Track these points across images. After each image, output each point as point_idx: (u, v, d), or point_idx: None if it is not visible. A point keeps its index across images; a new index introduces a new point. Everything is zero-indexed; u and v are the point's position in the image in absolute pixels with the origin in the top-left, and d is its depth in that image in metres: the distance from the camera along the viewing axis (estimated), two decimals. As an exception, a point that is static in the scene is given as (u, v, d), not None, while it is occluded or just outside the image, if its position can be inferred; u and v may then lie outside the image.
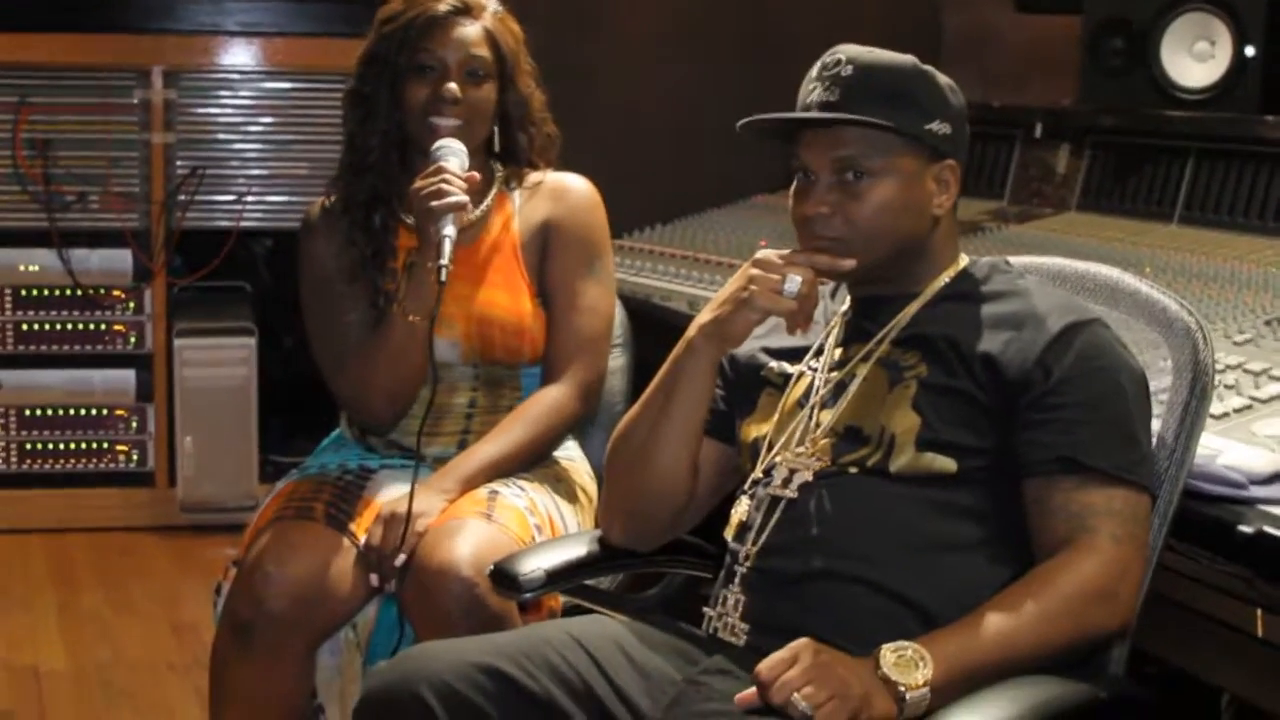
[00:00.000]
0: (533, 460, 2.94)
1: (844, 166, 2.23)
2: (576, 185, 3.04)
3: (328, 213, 3.01)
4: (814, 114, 2.23)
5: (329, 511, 2.83)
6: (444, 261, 2.73)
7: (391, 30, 2.94)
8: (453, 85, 2.89)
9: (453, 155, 2.85)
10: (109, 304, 5.14)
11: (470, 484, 2.83)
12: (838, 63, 2.24)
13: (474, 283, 2.94)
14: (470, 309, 2.93)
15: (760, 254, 2.26)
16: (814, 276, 2.23)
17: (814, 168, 2.25)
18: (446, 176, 2.80)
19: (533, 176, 3.04)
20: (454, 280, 2.85)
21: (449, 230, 2.76)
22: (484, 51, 2.92)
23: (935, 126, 2.24)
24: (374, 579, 2.74)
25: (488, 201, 3.00)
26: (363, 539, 2.78)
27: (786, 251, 2.25)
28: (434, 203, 2.77)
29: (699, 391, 2.33)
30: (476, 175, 2.86)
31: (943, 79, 2.29)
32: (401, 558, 2.70)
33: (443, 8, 2.92)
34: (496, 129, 2.99)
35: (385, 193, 2.96)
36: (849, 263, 2.23)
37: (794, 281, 2.21)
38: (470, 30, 2.92)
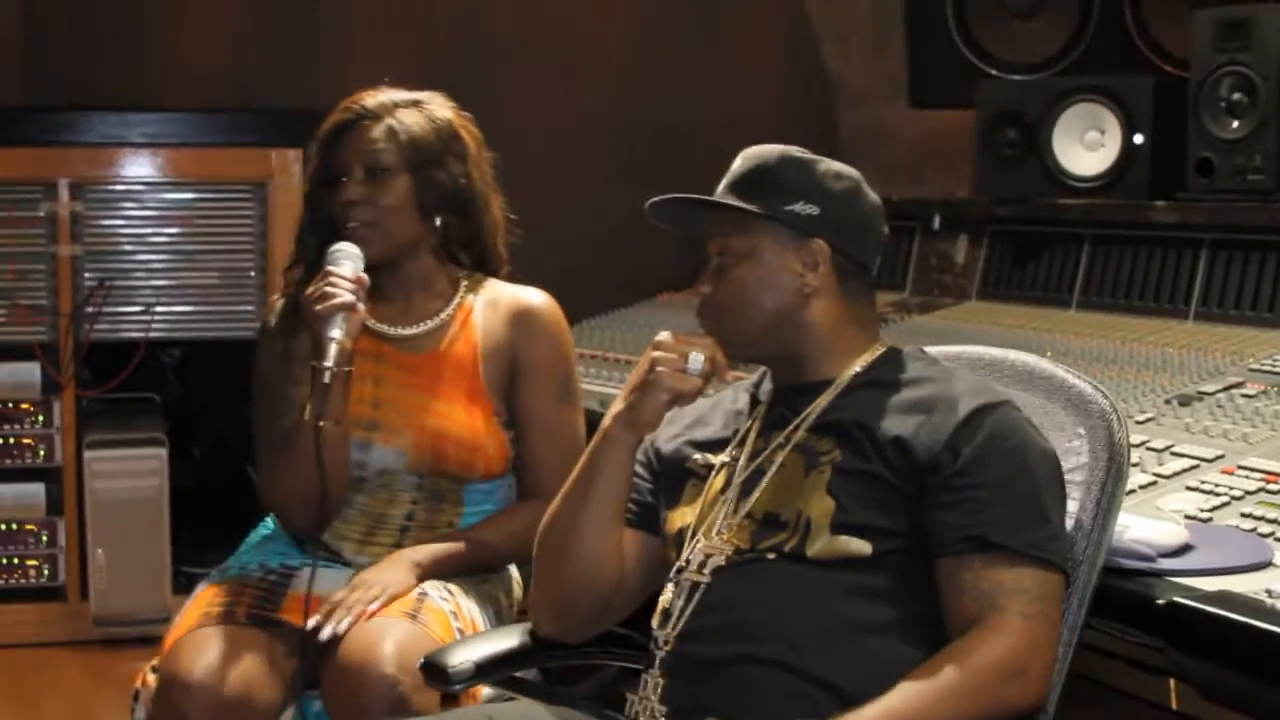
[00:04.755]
0: (498, 566, 2.99)
1: (721, 251, 2.35)
2: (539, 308, 3.03)
3: (279, 314, 3.01)
4: (676, 195, 2.36)
5: (251, 613, 2.82)
6: (328, 364, 2.75)
7: (316, 142, 2.99)
8: (350, 188, 2.92)
9: (345, 259, 2.86)
10: (17, 417, 5.09)
11: (441, 567, 2.86)
12: (738, 162, 2.37)
13: (431, 394, 2.95)
14: (425, 420, 2.93)
15: (659, 337, 2.32)
16: (713, 349, 2.30)
17: (710, 255, 2.37)
18: (333, 279, 2.81)
19: (494, 286, 3.06)
20: (410, 389, 2.91)
21: (334, 333, 2.77)
22: (385, 146, 2.94)
23: (798, 207, 2.32)
24: (311, 622, 2.72)
25: (450, 309, 3.02)
26: (286, 621, 2.78)
27: (684, 331, 2.33)
28: (318, 305, 2.79)
29: (617, 480, 2.37)
30: (366, 278, 2.85)
31: (824, 166, 2.36)
32: (347, 622, 2.70)
33: (346, 116, 2.96)
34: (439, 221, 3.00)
35: None
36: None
37: (696, 360, 2.28)
38: (373, 130, 2.94)
